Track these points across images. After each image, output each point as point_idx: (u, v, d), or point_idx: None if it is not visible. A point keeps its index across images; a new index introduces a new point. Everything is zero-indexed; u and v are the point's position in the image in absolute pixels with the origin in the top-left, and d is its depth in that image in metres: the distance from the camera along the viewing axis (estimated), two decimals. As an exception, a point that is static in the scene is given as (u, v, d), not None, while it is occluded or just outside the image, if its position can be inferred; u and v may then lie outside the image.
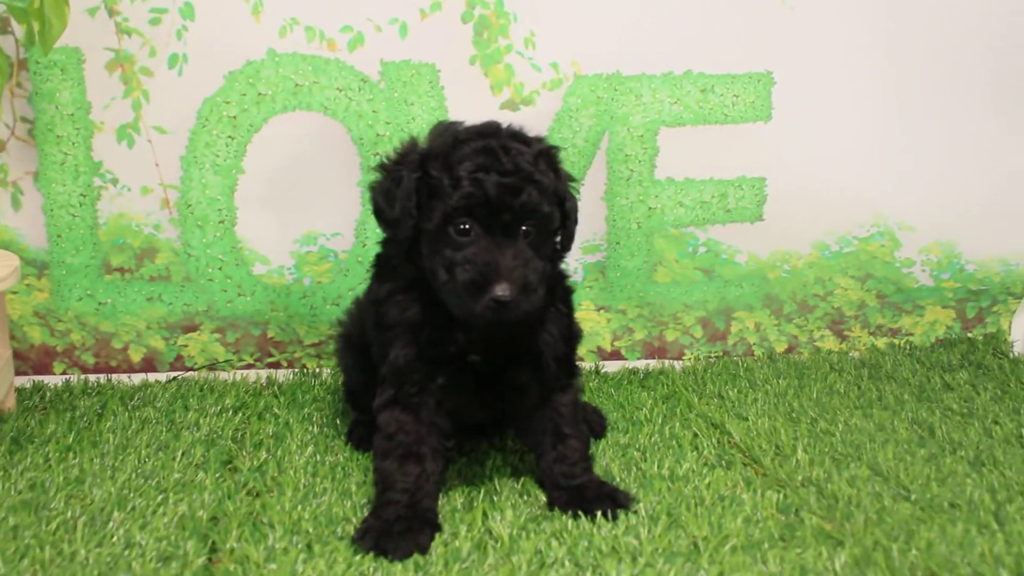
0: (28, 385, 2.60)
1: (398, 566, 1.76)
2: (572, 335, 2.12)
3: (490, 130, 1.92)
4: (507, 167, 1.84)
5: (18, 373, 2.62)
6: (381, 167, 1.97)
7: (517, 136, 1.94)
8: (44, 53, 2.35)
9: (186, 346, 2.69)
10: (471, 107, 2.63)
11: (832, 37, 2.71)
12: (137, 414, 2.43)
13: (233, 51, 2.54)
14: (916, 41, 2.74)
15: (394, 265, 2.01)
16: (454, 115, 2.62)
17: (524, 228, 1.85)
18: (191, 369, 2.70)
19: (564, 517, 1.95)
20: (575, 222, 2.00)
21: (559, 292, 2.06)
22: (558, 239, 1.99)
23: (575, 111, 2.67)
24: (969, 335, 2.96)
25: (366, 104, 2.60)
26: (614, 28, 2.64)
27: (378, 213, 1.95)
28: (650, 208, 2.75)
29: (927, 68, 2.76)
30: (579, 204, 2.65)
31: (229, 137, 2.58)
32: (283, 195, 2.63)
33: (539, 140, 1.97)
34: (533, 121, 2.63)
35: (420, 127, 2.62)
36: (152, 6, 2.50)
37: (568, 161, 2.67)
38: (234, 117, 2.57)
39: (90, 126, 2.55)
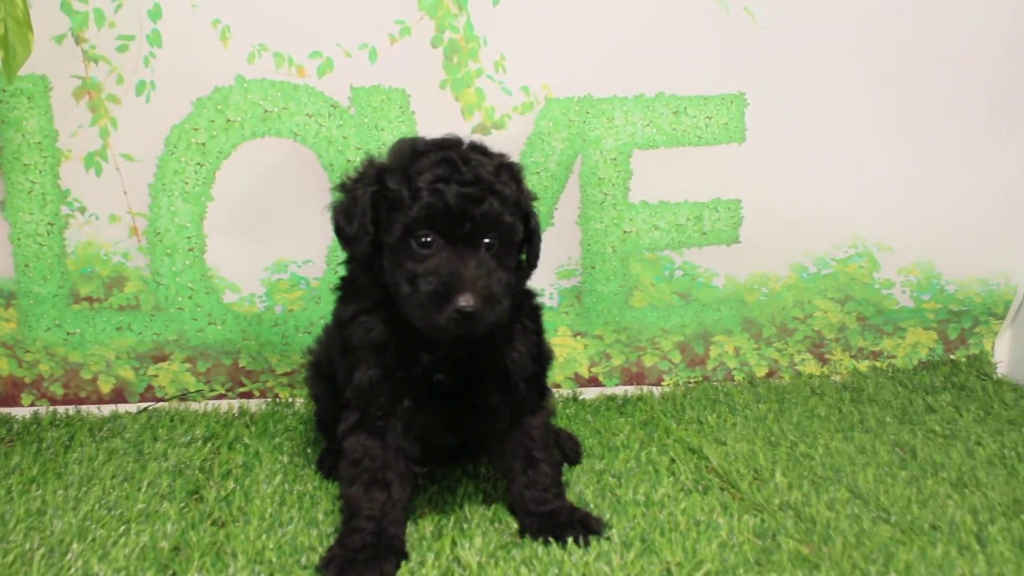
0: (-6, 418, 2.56)
1: (361, 595, 1.72)
2: (542, 354, 2.08)
3: (449, 142, 1.91)
4: (467, 177, 1.81)
5: (-16, 406, 2.58)
6: (340, 186, 1.95)
7: (478, 148, 1.92)
8: (8, 81, 2.33)
9: (156, 376, 2.65)
10: (442, 132, 2.58)
11: (807, 57, 2.71)
12: (105, 445, 2.38)
13: (201, 77, 2.53)
14: (894, 61, 2.73)
15: (358, 287, 1.98)
16: (426, 140, 2.61)
17: (487, 240, 1.82)
18: (161, 400, 2.66)
19: (535, 544, 1.90)
20: (539, 238, 1.97)
21: (525, 309, 2.03)
22: (523, 255, 1.96)
23: (547, 134, 2.65)
24: (952, 357, 2.93)
25: (336, 130, 2.58)
26: (585, 50, 2.63)
27: (338, 231, 1.92)
28: (625, 232, 2.72)
29: (905, 87, 2.76)
30: (553, 228, 2.68)
31: (198, 164, 2.55)
32: (253, 222, 2.60)
33: (501, 155, 1.95)
34: (505, 145, 2.59)
35: (392, 152, 2.60)
36: (119, 33, 2.49)
37: (541, 185, 2.66)
38: (202, 144, 2.55)
39: (57, 154, 2.52)
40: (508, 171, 1.91)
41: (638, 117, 2.67)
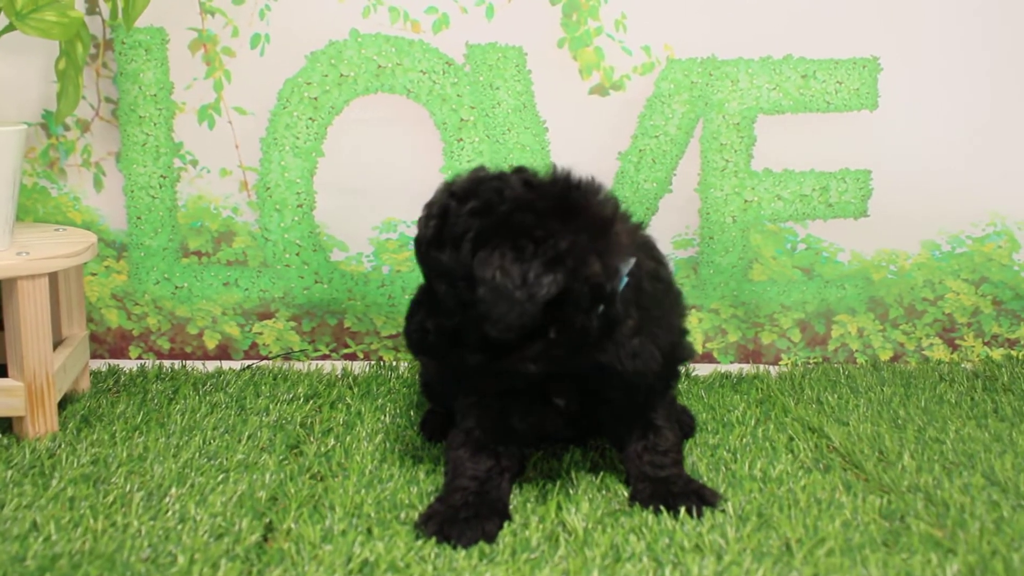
0: (104, 368, 2.57)
1: (461, 553, 1.65)
2: (675, 358, 2.00)
3: (460, 189, 1.76)
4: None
5: (95, 356, 2.59)
6: None
7: (465, 197, 1.72)
8: (127, 29, 2.34)
9: (261, 334, 2.63)
10: (559, 92, 2.53)
11: (945, 18, 2.54)
12: (208, 399, 2.37)
13: (316, 31, 2.48)
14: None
15: None
16: (541, 100, 2.54)
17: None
18: (265, 358, 2.64)
19: (644, 512, 1.81)
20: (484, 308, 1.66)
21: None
22: None
23: (667, 97, 2.54)
24: (1098, 349, 2.73)
25: (450, 87, 2.52)
26: (709, 9, 2.51)
27: None
28: (746, 201, 2.60)
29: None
30: (671, 196, 2.57)
31: (310, 119, 2.52)
32: (363, 179, 2.55)
33: (476, 210, 1.70)
34: (623, 107, 2.55)
35: (505, 112, 2.53)
36: (236, -15, 2.47)
37: (660, 149, 2.56)
38: (315, 98, 2.51)
39: (172, 107, 2.52)
40: (453, 238, 1.70)
41: (764, 80, 2.54)
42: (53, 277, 2.32)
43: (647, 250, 1.90)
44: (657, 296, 1.86)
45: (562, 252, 1.62)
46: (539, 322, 1.64)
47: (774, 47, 2.54)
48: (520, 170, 1.77)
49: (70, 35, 2.21)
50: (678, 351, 1.99)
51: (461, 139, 2.53)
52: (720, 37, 2.53)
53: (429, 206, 1.76)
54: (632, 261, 1.77)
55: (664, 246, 2.54)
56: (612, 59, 2.52)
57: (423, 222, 1.76)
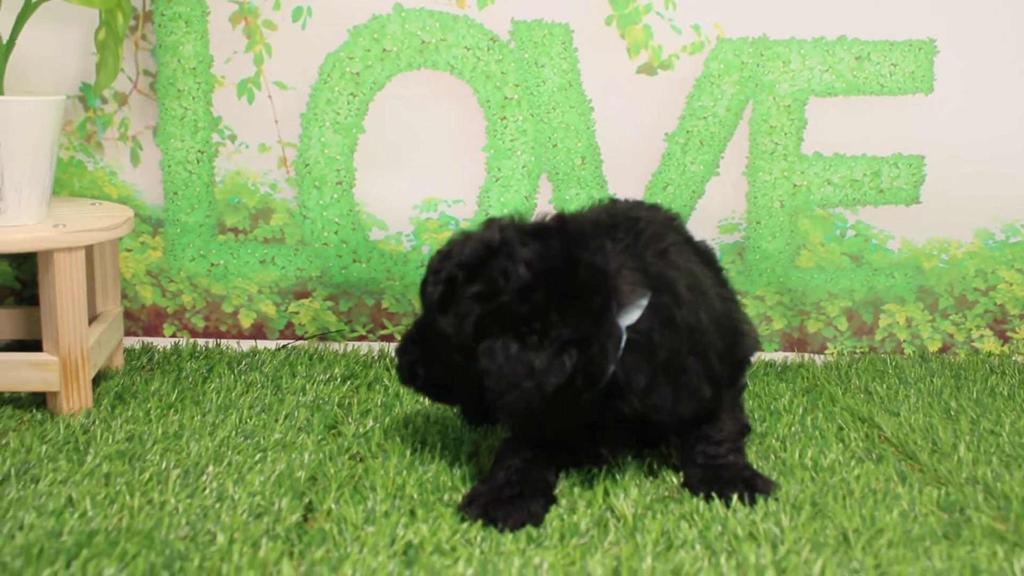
0: (138, 346, 2.54)
1: (508, 536, 1.60)
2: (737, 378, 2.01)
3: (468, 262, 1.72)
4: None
5: (129, 334, 2.56)
6: None
7: (471, 275, 1.71)
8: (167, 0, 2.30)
9: (297, 313, 2.58)
10: (606, 71, 2.47)
11: (1004, 0, 2.47)
12: (243, 378, 2.33)
13: (359, 5, 2.43)
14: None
15: None
16: (588, 78, 2.48)
17: None
18: (301, 338, 2.59)
19: (695, 500, 1.76)
20: (491, 396, 1.68)
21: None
22: None
23: (717, 77, 2.47)
24: None
25: (495, 65, 2.46)
26: (762, -12, 2.45)
27: None
28: (795, 185, 2.53)
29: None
30: (718, 179, 2.51)
31: (351, 95, 2.47)
32: (404, 157, 2.51)
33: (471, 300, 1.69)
34: (671, 87, 2.49)
35: (551, 90, 2.47)
36: (278, -43, 2.42)
37: (707, 131, 2.50)
38: (357, 74, 2.46)
39: (211, 80, 2.47)
40: (457, 315, 1.70)
41: (816, 62, 2.47)
42: (89, 251, 2.29)
43: (664, 285, 1.76)
44: (672, 344, 1.74)
45: (566, 342, 1.63)
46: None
47: (827, 27, 2.47)
48: (531, 235, 1.71)
49: (111, 4, 2.17)
50: (736, 353, 1.95)
51: (505, 117, 2.48)
52: (772, 16, 2.46)
53: (436, 272, 1.75)
54: (637, 313, 1.72)
55: (710, 231, 2.51)
56: (661, 38, 2.46)
57: (431, 279, 1.76)
